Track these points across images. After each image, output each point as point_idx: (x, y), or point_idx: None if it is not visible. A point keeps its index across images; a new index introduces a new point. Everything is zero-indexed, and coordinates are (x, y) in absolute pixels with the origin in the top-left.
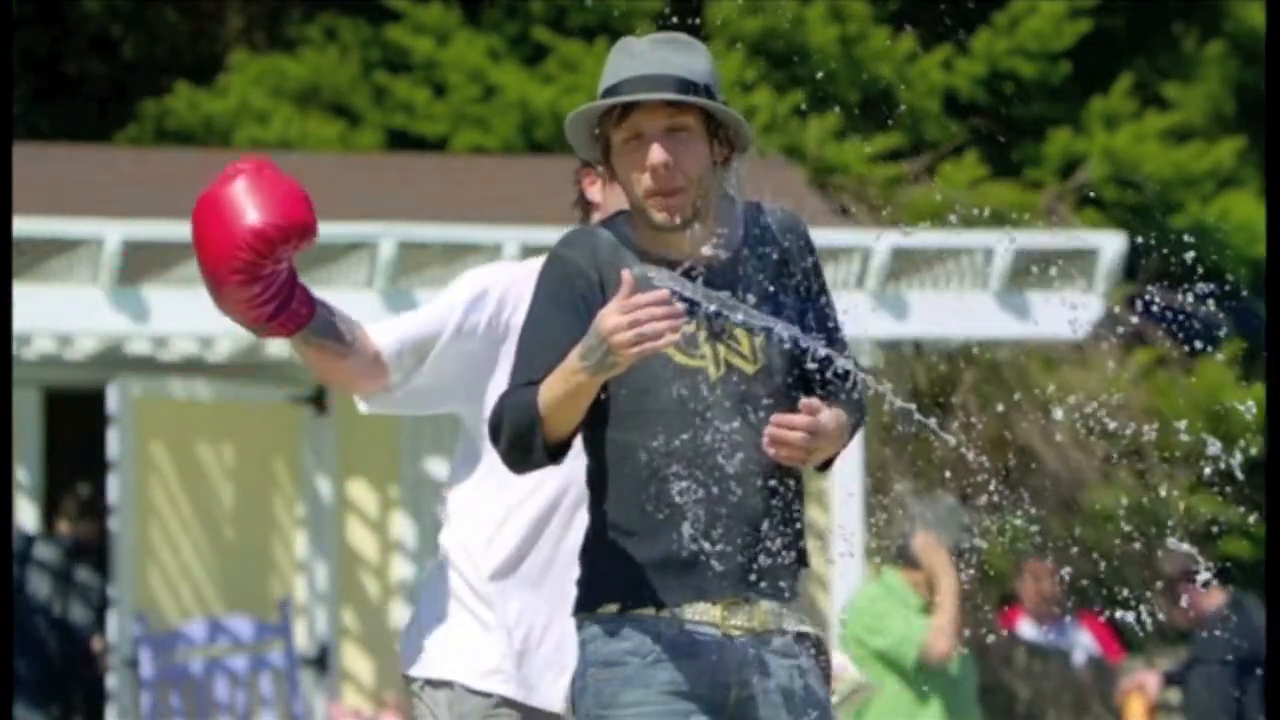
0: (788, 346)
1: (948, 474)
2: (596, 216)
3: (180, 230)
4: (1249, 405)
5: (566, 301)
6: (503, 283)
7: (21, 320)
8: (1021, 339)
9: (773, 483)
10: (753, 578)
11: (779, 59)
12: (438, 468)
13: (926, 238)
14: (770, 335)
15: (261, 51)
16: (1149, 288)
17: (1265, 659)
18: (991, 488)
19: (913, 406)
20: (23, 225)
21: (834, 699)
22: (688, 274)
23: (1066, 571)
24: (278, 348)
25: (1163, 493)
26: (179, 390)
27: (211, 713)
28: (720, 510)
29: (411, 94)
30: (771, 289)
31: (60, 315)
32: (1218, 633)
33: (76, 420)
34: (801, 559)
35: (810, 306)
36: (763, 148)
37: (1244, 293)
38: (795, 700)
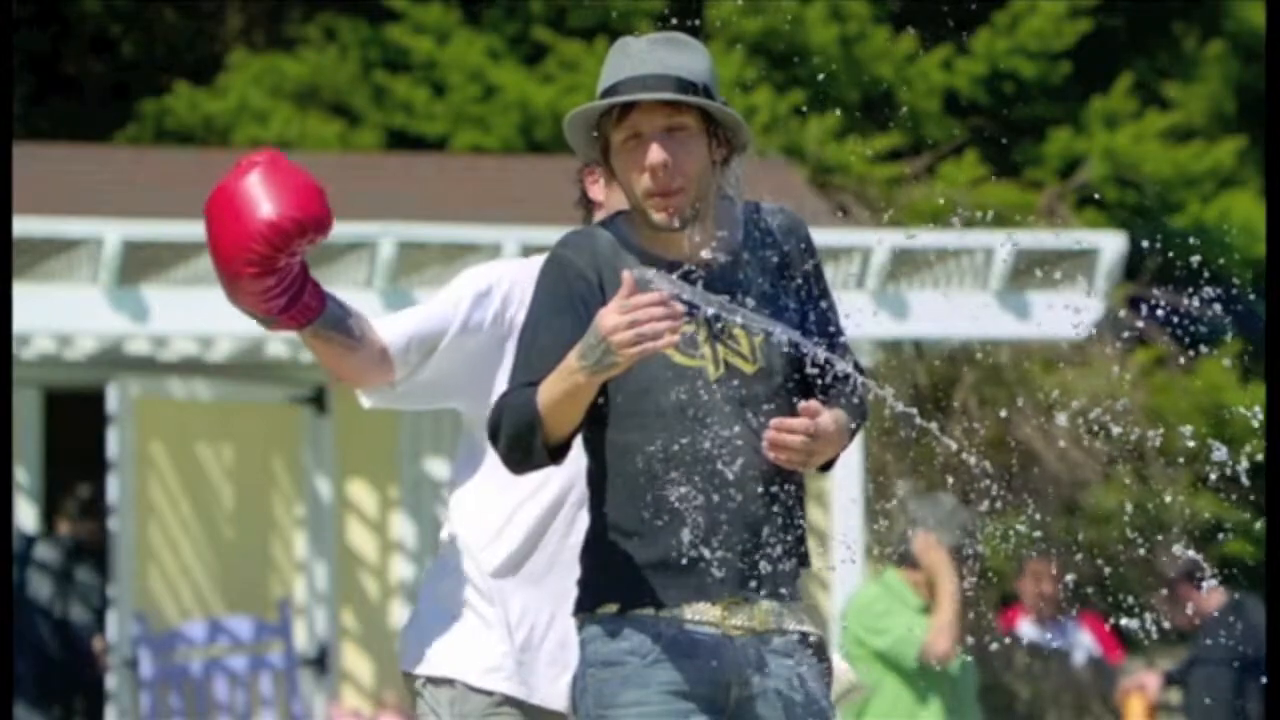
0: (787, 349)
1: (949, 478)
2: (599, 215)
3: (180, 230)
4: (1255, 410)
5: (566, 302)
6: (507, 280)
7: (21, 320)
8: (1021, 339)
9: (773, 483)
10: (753, 578)
11: (779, 59)
12: (438, 468)
13: (926, 238)
14: (770, 337)
15: (261, 51)
16: (1153, 290)
17: (1265, 659)
18: (992, 490)
19: (914, 411)
20: (23, 225)
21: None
22: (687, 276)
23: (1070, 576)
24: (277, 348)
25: (1164, 493)
26: (179, 390)
27: (211, 713)
28: (720, 511)
29: (411, 94)
30: (772, 291)
31: (60, 315)
32: (1218, 633)
33: (76, 420)
34: (802, 560)
35: (811, 309)
36: (763, 148)
37: (1251, 295)
38: (795, 700)
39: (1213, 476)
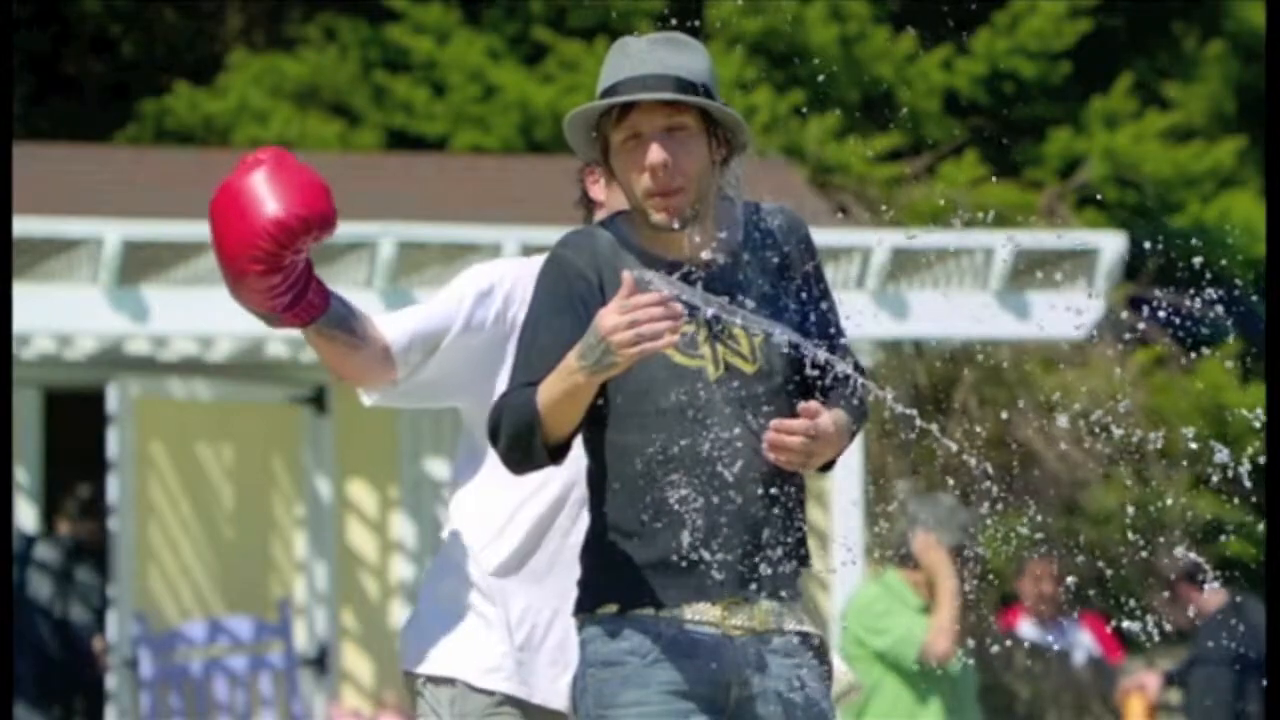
0: (786, 351)
1: (950, 481)
2: (600, 214)
3: (180, 230)
4: (1256, 413)
5: (565, 302)
6: (509, 279)
7: (21, 320)
8: (1021, 339)
9: (773, 483)
10: (753, 578)
11: (779, 59)
12: (438, 468)
13: (926, 238)
14: (770, 338)
15: (261, 51)
16: (1155, 292)
17: (1265, 659)
18: (993, 492)
19: (914, 413)
20: (23, 225)
21: None
22: (686, 277)
23: (1070, 578)
24: (277, 348)
25: (1164, 494)
26: (178, 390)
27: (211, 713)
28: (720, 511)
29: (411, 94)
30: (772, 292)
31: (60, 315)
32: (1218, 633)
33: (76, 420)
34: (802, 560)
35: (812, 310)
36: (763, 148)
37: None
38: (795, 700)
39: (1214, 479)
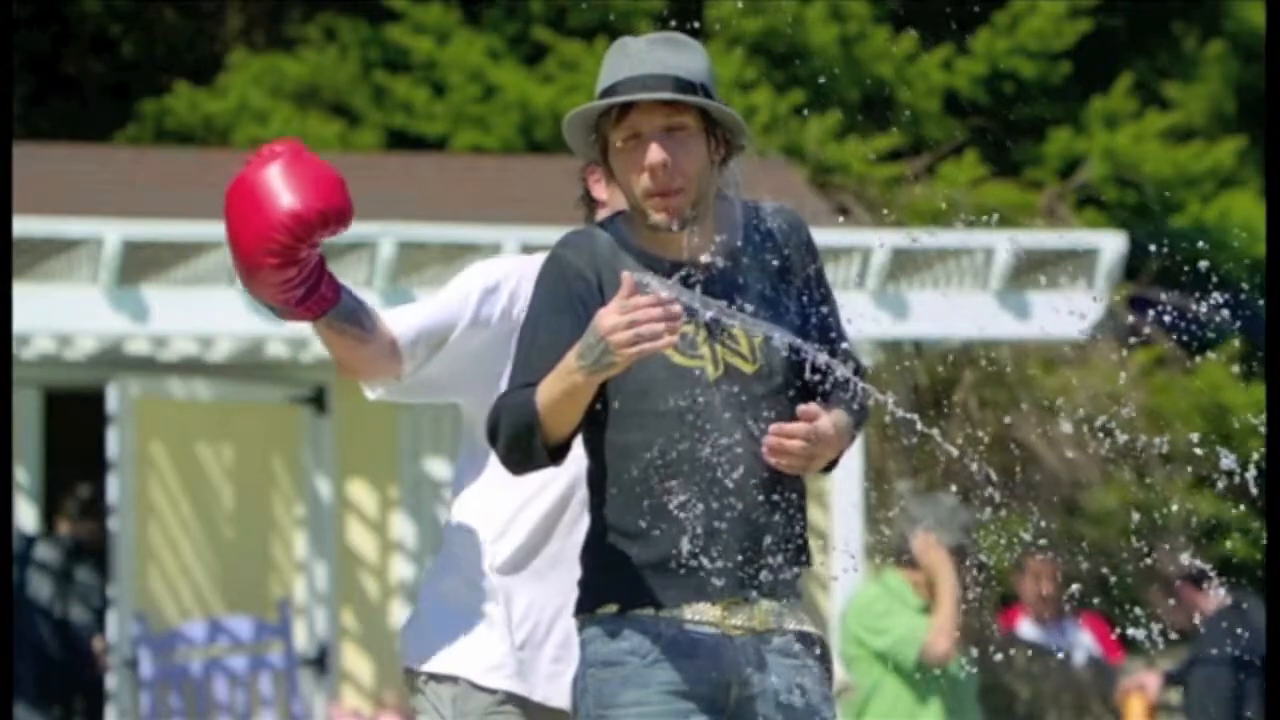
0: (785, 354)
1: (952, 486)
2: (601, 213)
3: (180, 230)
4: (1261, 420)
5: (565, 302)
6: (514, 276)
7: (21, 320)
8: (1021, 339)
9: (773, 484)
10: (753, 578)
11: (779, 59)
12: (438, 468)
13: (926, 238)
14: (770, 341)
15: (261, 51)
16: (1160, 294)
17: (1265, 659)
18: (994, 497)
19: (915, 417)
20: (23, 225)
21: None
22: (686, 280)
23: (1070, 578)
24: (277, 348)
25: (1166, 495)
26: (178, 390)
27: (211, 713)
28: (720, 511)
29: (411, 94)
30: (772, 294)
31: (60, 315)
32: (1219, 634)
33: (76, 420)
34: (803, 559)
35: (813, 313)
36: (763, 148)
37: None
38: (795, 699)
39: (1220, 485)
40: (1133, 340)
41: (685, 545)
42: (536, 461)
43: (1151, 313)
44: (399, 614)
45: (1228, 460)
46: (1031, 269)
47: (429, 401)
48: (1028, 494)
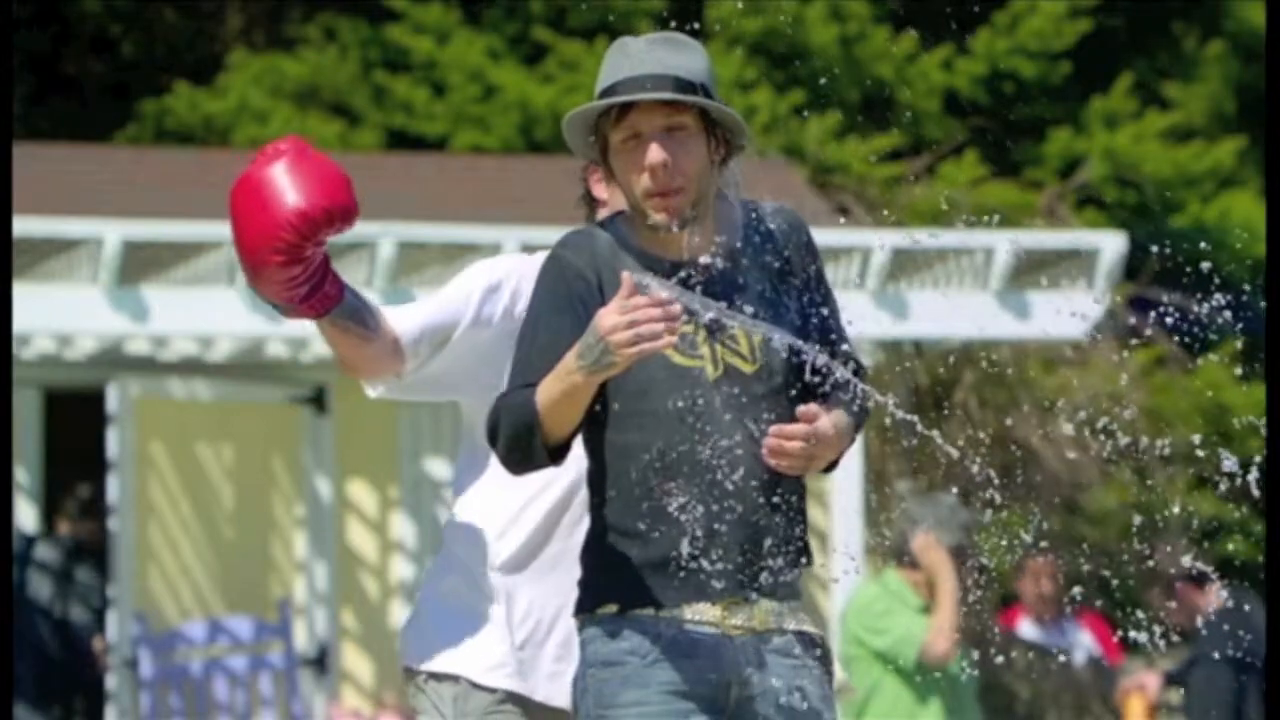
0: (785, 356)
1: (953, 488)
2: (602, 213)
3: (180, 230)
4: (1262, 421)
5: (565, 302)
6: (515, 275)
7: (21, 320)
8: (1021, 339)
9: (773, 484)
10: (752, 578)
11: (779, 59)
12: (438, 468)
13: (926, 238)
14: (770, 342)
15: (261, 51)
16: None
17: (1265, 659)
18: (992, 496)
19: (915, 419)
20: (23, 225)
21: None
22: (685, 282)
23: (1073, 583)
24: (277, 348)
25: (1166, 495)
26: (178, 390)
27: (211, 713)
28: (720, 511)
29: (411, 94)
30: (772, 295)
31: (60, 315)
32: (1219, 633)
33: (76, 420)
34: (802, 559)
35: (813, 314)
36: (763, 148)
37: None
38: (796, 699)
39: (1222, 487)
40: (1135, 342)
41: (685, 546)
42: (537, 462)
43: (1154, 314)
44: (399, 614)
45: (1230, 463)
46: (1031, 269)
47: (429, 399)
48: (1028, 495)
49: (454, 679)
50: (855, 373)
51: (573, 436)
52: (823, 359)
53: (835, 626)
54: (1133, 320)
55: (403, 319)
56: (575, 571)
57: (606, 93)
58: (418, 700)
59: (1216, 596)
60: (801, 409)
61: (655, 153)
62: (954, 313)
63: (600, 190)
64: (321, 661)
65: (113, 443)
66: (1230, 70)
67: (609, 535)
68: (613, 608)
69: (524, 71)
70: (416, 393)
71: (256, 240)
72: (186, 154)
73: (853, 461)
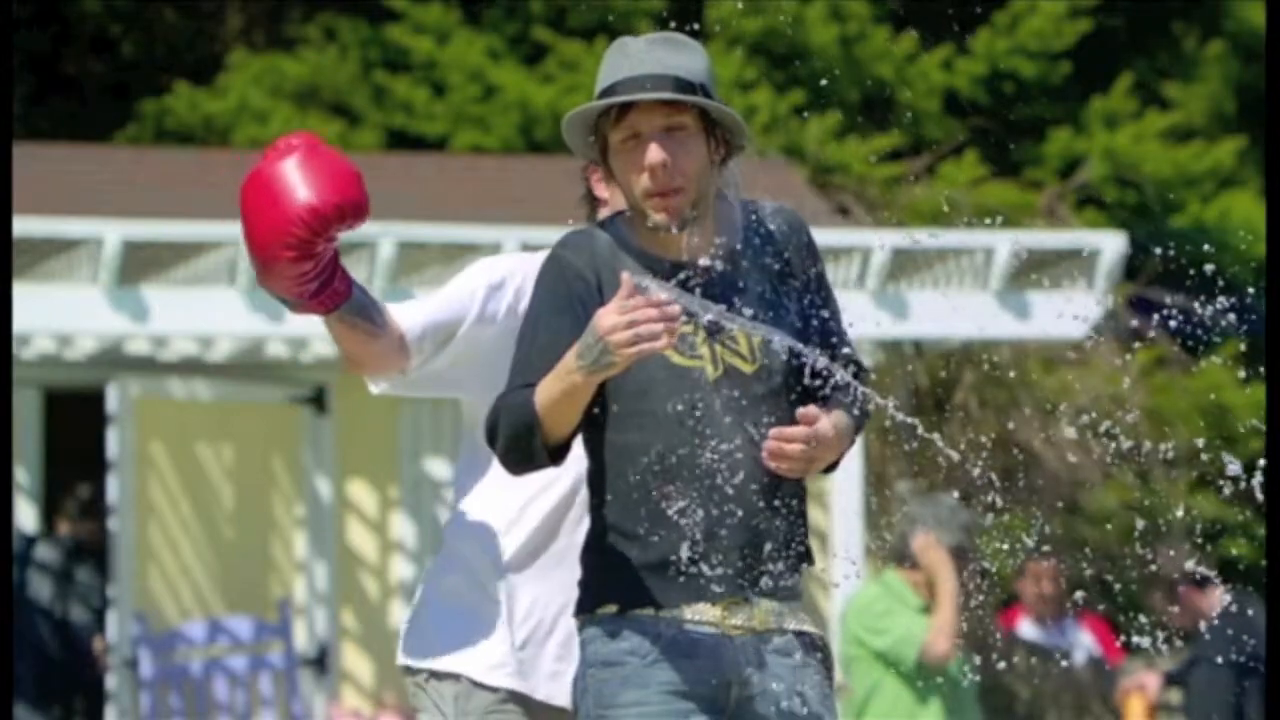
0: (785, 358)
1: (955, 492)
2: (604, 212)
3: (180, 230)
4: (1259, 423)
5: (565, 302)
6: (519, 273)
7: (21, 320)
8: (1021, 339)
9: (773, 486)
10: (752, 578)
11: (779, 59)
12: (438, 468)
13: (926, 238)
14: (770, 345)
15: (261, 51)
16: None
17: (1265, 659)
18: (993, 498)
19: (916, 422)
20: (23, 225)
21: None
22: (685, 284)
23: (1073, 584)
24: (277, 348)
25: (1170, 500)
26: (178, 390)
27: (211, 713)
28: (719, 511)
29: (411, 94)
30: (773, 296)
31: (60, 315)
32: (1219, 634)
33: (76, 420)
34: (803, 558)
35: (814, 316)
36: (763, 148)
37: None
38: (796, 699)
39: (1226, 491)
40: (1137, 345)
41: (685, 550)
42: (536, 462)
43: (1157, 317)
44: (399, 614)
45: (1234, 466)
46: (1031, 269)
47: (432, 396)
48: (1029, 496)
49: (455, 678)
50: (856, 375)
51: (572, 437)
52: (823, 361)
53: (835, 627)
54: (1133, 321)
55: (407, 315)
56: (577, 571)
57: (606, 93)
58: (418, 699)
59: (1219, 599)
60: (801, 411)
61: (655, 153)
62: (954, 313)
63: (602, 189)
64: (321, 661)
65: (113, 443)
66: (1230, 70)
67: (609, 536)
68: (612, 608)
69: (524, 71)
70: (419, 389)
71: (268, 236)
72: (186, 154)
73: (853, 462)
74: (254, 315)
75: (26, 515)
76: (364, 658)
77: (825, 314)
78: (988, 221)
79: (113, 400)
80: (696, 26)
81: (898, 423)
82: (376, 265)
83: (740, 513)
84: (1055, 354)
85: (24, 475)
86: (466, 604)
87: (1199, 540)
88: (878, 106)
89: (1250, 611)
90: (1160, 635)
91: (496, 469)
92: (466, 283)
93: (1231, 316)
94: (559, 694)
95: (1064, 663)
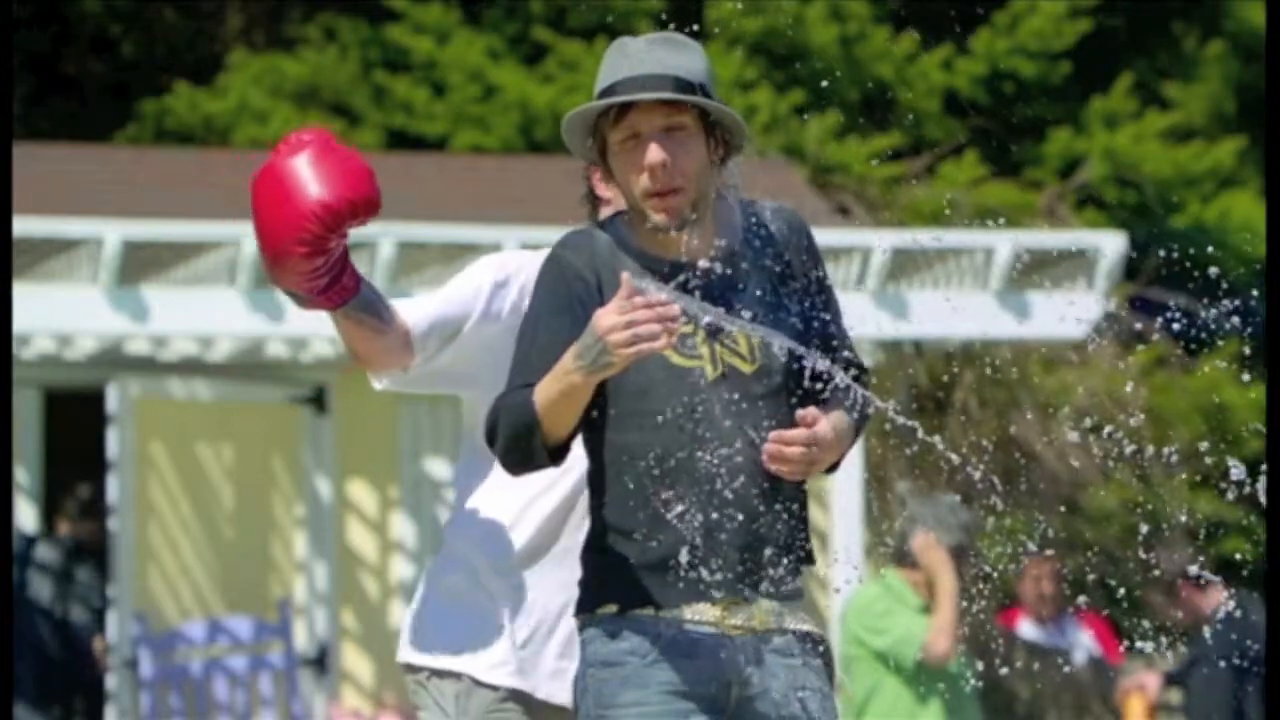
0: (785, 360)
1: (956, 495)
2: (605, 211)
3: (180, 230)
4: (1258, 426)
5: (564, 302)
6: (524, 271)
7: (21, 320)
8: (1021, 339)
9: (773, 489)
10: (752, 578)
11: (779, 59)
12: (438, 468)
13: (926, 238)
14: (771, 347)
15: (261, 51)
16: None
17: (1265, 659)
18: (996, 505)
19: (917, 425)
20: (23, 225)
21: None
22: (684, 286)
23: (1073, 583)
24: (277, 348)
25: (1171, 503)
26: (178, 390)
27: (211, 713)
28: (719, 511)
29: (411, 94)
30: (773, 297)
31: (60, 315)
32: (1219, 633)
33: (76, 420)
34: (804, 558)
35: (814, 317)
36: (763, 148)
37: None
38: (796, 699)
39: (1230, 495)
40: (1141, 348)
41: (685, 555)
42: (536, 462)
43: (1161, 320)
44: (399, 614)
45: (1237, 470)
46: (1032, 269)
47: (434, 392)
48: (1030, 497)
49: (456, 676)
50: (857, 378)
51: (572, 437)
52: (823, 364)
53: (835, 627)
54: (1134, 321)
55: (413, 312)
56: (579, 570)
57: (605, 93)
58: (419, 697)
59: (1219, 598)
60: (800, 413)
61: (654, 152)
62: (954, 313)
63: (603, 189)
64: (321, 661)
65: (113, 443)
66: (1230, 70)
67: (609, 536)
68: (612, 608)
69: (524, 71)
70: (422, 385)
71: (281, 231)
72: (186, 154)
73: (853, 462)
74: (254, 315)
75: (26, 515)
76: (364, 658)
77: (826, 316)
78: (991, 223)
79: (113, 400)
80: (696, 27)
81: (899, 426)
82: (376, 265)
83: (740, 517)
84: (1056, 354)
85: (24, 475)
86: (468, 603)
87: (1199, 538)
88: (878, 106)
89: (1254, 617)
90: (1164, 642)
91: (498, 469)
92: (472, 280)
93: (1236, 320)
94: (560, 693)
95: (1065, 668)
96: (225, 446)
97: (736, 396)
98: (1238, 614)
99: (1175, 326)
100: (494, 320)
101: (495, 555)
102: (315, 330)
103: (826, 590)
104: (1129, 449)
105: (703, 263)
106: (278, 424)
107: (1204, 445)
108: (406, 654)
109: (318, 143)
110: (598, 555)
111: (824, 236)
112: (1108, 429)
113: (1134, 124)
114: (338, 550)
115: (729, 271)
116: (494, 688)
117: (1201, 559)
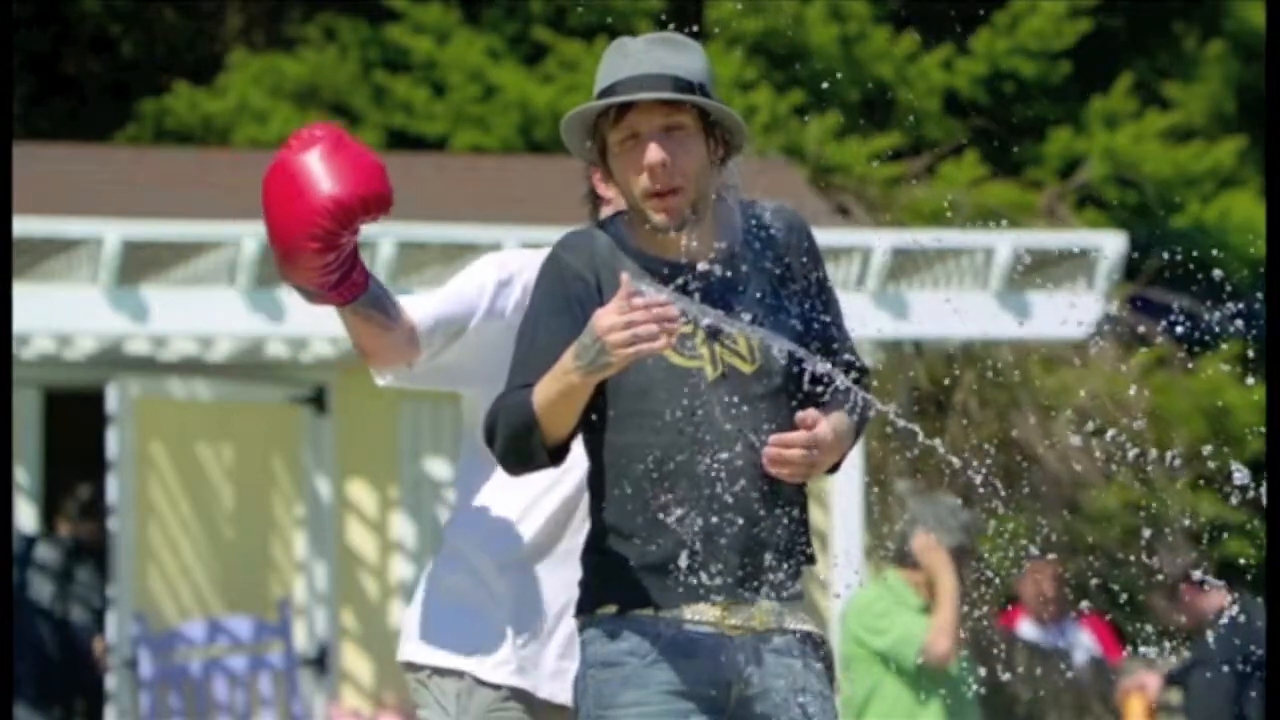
0: (784, 362)
1: (957, 497)
2: (606, 211)
3: (180, 230)
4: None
5: (563, 303)
6: (527, 270)
7: (21, 320)
8: (1021, 339)
9: (773, 492)
10: (752, 578)
11: (779, 59)
12: (438, 468)
13: (926, 238)
14: (771, 349)
15: (261, 51)
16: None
17: (1265, 660)
18: (997, 507)
19: (917, 429)
20: (23, 225)
21: None
22: (683, 288)
23: (1074, 584)
24: (277, 348)
25: (1167, 497)
26: (178, 390)
27: (211, 713)
28: (720, 515)
29: (411, 94)
30: (773, 299)
31: (59, 315)
32: (1219, 634)
33: (76, 420)
34: (804, 559)
35: (815, 319)
36: (763, 148)
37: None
38: (796, 699)
39: (1234, 500)
40: (1143, 349)
41: (684, 559)
42: (535, 462)
43: (1164, 322)
44: (399, 614)
45: (1240, 474)
46: (1032, 269)
47: (437, 389)
48: (1031, 500)
49: (458, 675)
50: (858, 380)
51: (571, 437)
52: (823, 366)
53: (835, 627)
54: (1135, 321)
55: (418, 309)
56: (579, 570)
57: (605, 93)
58: (420, 695)
59: (1220, 599)
60: (800, 415)
61: (654, 152)
62: (954, 313)
63: (604, 189)
64: (321, 661)
65: (113, 443)
66: (1230, 70)
67: (609, 536)
68: (612, 608)
69: (524, 71)
70: (425, 382)
71: (293, 227)
72: (186, 154)
73: (854, 464)
74: (254, 315)
75: (26, 515)
76: (364, 658)
77: (826, 318)
78: (993, 224)
79: (113, 400)
80: (696, 27)
81: (899, 429)
82: (377, 265)
83: (741, 520)
84: (1056, 354)
85: (24, 475)
86: (469, 602)
87: (1201, 539)
88: (878, 107)
89: (1258, 622)
90: (1168, 646)
91: (499, 469)
92: (476, 277)
93: (1239, 323)
94: (561, 693)
95: (1066, 670)
96: (225, 446)
97: (737, 398)
98: (1241, 618)
99: (1179, 330)
100: (498, 318)
101: (497, 555)
102: (315, 330)
103: (827, 592)
104: (1130, 451)
105: (702, 264)
106: (278, 424)
107: (1206, 448)
108: (407, 652)
109: (330, 138)
110: (597, 556)
111: (824, 237)
112: (1109, 431)
113: (1134, 124)
114: (338, 550)
115: (729, 273)
116: (495, 686)
117: (1204, 562)
